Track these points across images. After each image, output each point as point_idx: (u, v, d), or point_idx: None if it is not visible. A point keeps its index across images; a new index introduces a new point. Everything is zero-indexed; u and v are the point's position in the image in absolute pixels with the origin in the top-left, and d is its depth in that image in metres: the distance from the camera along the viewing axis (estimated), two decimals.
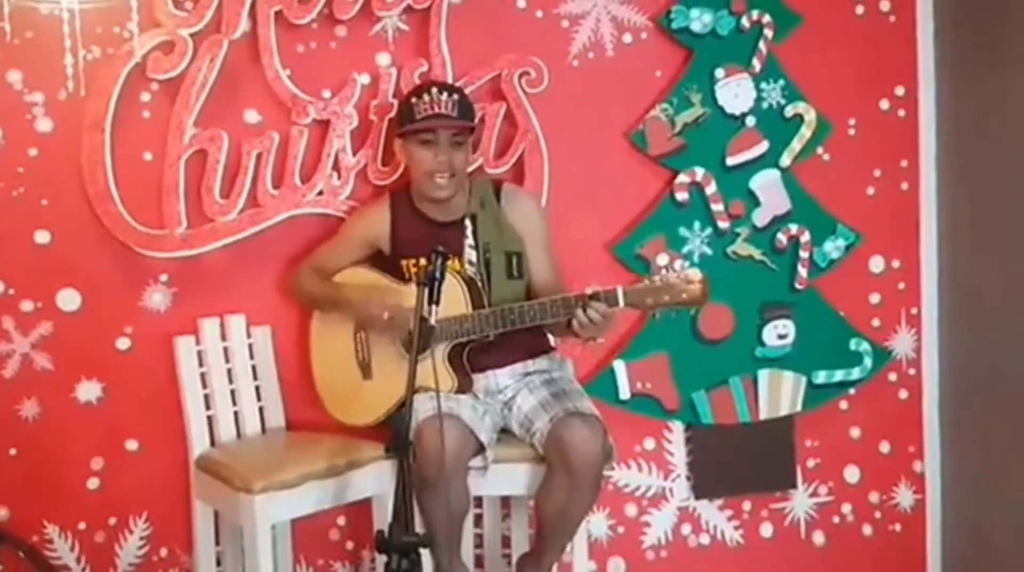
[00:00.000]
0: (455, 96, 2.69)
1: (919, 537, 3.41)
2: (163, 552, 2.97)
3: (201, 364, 2.86)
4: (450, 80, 2.92)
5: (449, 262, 2.51)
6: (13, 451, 2.86)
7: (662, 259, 3.10)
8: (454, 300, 2.58)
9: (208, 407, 2.85)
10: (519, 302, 2.61)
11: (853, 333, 3.27)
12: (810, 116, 3.17)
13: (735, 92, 3.13)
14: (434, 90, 2.69)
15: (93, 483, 2.92)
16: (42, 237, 2.84)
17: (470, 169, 2.85)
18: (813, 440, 3.32)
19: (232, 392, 2.90)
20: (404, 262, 2.76)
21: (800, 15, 3.16)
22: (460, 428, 2.54)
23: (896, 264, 3.34)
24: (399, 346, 2.71)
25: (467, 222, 2.75)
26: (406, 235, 2.77)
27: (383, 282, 2.77)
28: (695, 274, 2.44)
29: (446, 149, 2.67)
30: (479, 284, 2.70)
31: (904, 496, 3.40)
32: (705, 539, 3.29)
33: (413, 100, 2.70)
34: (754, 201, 3.17)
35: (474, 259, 2.73)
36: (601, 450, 2.54)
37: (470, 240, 2.74)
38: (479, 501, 2.99)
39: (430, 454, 2.42)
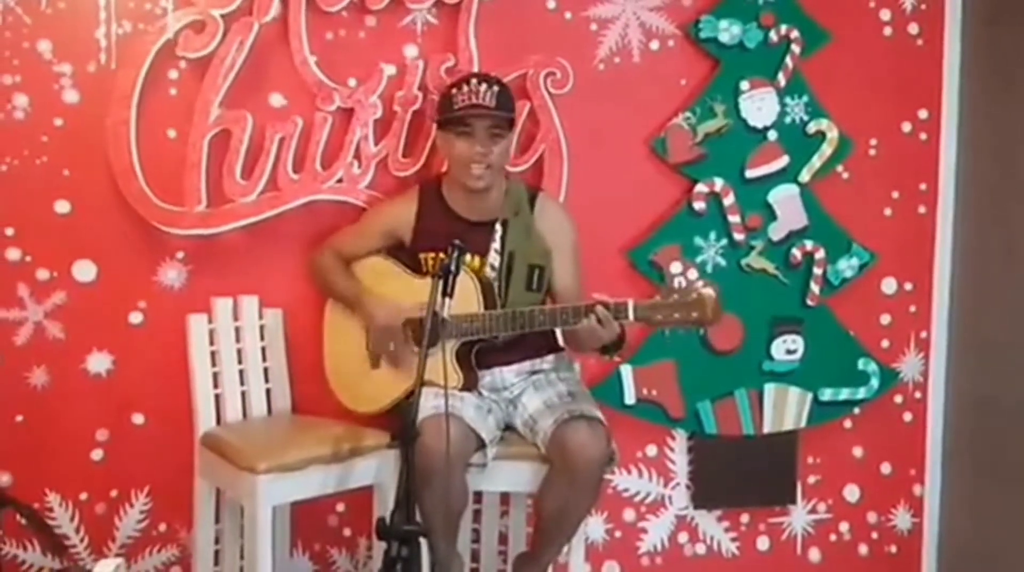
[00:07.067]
0: (495, 87, 2.68)
1: (915, 560, 3.41)
2: (162, 527, 2.99)
3: (212, 343, 2.86)
4: None
5: (468, 260, 2.50)
6: (20, 417, 2.88)
7: (676, 267, 3.10)
8: (467, 298, 2.59)
9: (216, 386, 2.86)
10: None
11: (861, 353, 3.27)
12: (832, 134, 3.18)
13: (759, 105, 3.13)
14: (474, 81, 2.68)
15: (97, 454, 2.94)
16: (62, 207, 2.86)
17: (511, 169, 2.85)
18: (815, 457, 3.32)
19: (241, 372, 2.91)
20: (423, 256, 2.76)
21: (828, 32, 3.16)
22: (462, 426, 2.54)
23: (908, 286, 3.34)
24: (409, 338, 2.72)
25: (498, 226, 2.74)
26: (430, 229, 2.75)
27: (399, 273, 2.77)
28: (708, 294, 2.43)
29: (484, 140, 2.66)
30: (495, 288, 2.70)
31: (902, 518, 3.40)
32: (701, 549, 3.29)
33: (453, 91, 2.69)
34: (771, 215, 3.17)
35: (496, 265, 2.72)
36: (603, 454, 2.55)
37: (497, 244, 2.73)
38: (479, 497, 3.00)
39: (431, 451, 2.42)
